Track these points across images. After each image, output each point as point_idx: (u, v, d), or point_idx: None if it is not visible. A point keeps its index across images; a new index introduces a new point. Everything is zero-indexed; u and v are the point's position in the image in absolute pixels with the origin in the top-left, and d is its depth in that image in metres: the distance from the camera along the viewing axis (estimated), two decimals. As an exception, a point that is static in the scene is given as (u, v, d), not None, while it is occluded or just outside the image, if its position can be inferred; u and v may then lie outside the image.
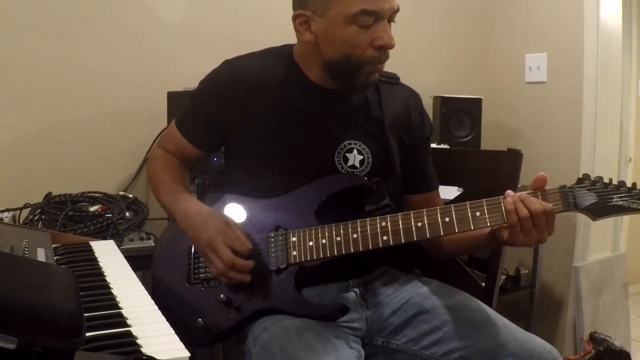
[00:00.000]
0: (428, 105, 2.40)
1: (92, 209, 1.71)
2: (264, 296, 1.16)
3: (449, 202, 1.21)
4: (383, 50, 1.16)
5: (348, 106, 1.27)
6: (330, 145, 1.24)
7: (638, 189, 1.07)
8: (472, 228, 1.09)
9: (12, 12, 1.84)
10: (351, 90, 1.26)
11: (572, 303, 2.40)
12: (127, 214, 1.74)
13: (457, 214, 1.09)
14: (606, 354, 2.23)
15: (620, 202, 1.06)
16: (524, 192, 1.08)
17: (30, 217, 1.66)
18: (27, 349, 0.61)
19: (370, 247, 1.12)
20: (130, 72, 2.03)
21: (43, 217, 1.65)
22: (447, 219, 1.10)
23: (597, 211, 1.07)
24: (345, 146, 1.24)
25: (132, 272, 1.13)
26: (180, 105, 1.37)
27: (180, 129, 1.33)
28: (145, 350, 0.77)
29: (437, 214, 1.10)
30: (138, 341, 0.80)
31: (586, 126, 2.32)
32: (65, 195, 1.77)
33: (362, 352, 1.14)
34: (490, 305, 1.31)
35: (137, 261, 1.35)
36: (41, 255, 1.10)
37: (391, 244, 1.12)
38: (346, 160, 1.24)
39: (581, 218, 2.35)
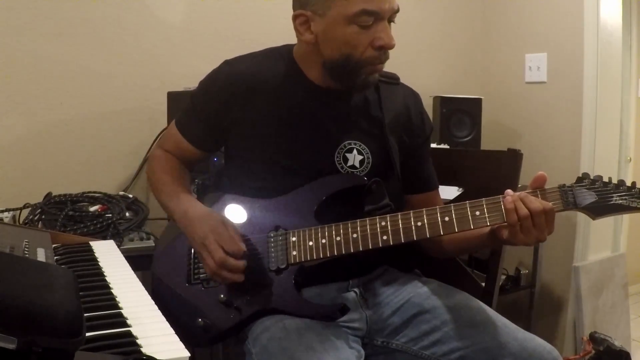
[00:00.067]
0: (428, 105, 2.40)
1: (92, 209, 1.71)
2: (264, 296, 1.16)
3: (449, 202, 1.20)
4: (383, 50, 1.16)
5: (348, 106, 1.27)
6: (330, 145, 1.24)
7: (637, 188, 1.07)
8: (472, 227, 1.09)
9: (12, 12, 1.84)
10: (351, 91, 1.26)
11: (572, 303, 2.40)
12: (127, 214, 1.74)
13: (457, 213, 1.09)
14: (606, 354, 2.23)
15: (620, 201, 1.06)
16: (523, 192, 1.08)
17: (30, 217, 1.66)
18: (27, 349, 0.61)
19: (370, 247, 1.12)
20: (130, 72, 2.03)
21: (43, 217, 1.66)
22: (446, 219, 1.10)
23: (597, 210, 1.07)
24: (345, 146, 1.24)
25: (132, 272, 1.13)
26: (180, 105, 1.37)
27: (180, 129, 1.33)
28: (145, 350, 0.77)
29: (436, 213, 1.10)
30: (138, 341, 0.80)
31: (586, 126, 2.32)
32: (65, 195, 1.77)
33: (362, 352, 1.14)
34: (490, 305, 1.31)
35: (137, 261, 1.35)
36: (41, 255, 1.10)
37: (391, 243, 1.12)
38: (346, 160, 1.24)
39: (581, 218, 2.35)
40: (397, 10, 1.16)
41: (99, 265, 1.15)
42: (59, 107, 1.94)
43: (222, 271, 1.12)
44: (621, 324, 2.52)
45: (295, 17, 1.19)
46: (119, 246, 1.40)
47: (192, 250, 1.24)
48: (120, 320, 0.86)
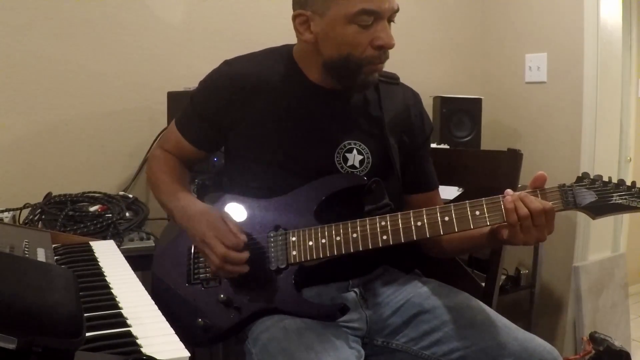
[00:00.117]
0: (428, 105, 2.40)
1: (92, 209, 1.71)
2: (264, 296, 1.16)
3: (449, 202, 1.20)
4: (383, 50, 1.16)
5: (348, 106, 1.27)
6: (330, 145, 1.24)
7: (637, 188, 1.07)
8: (472, 227, 1.09)
9: (12, 12, 1.84)
10: (351, 90, 1.26)
11: (572, 303, 2.40)
12: (127, 214, 1.74)
13: (457, 213, 1.09)
14: (606, 354, 2.22)
15: (620, 201, 1.06)
16: (523, 191, 1.08)
17: (30, 217, 1.66)
18: (27, 349, 0.61)
19: (370, 247, 1.12)
20: (130, 72, 2.03)
21: (43, 217, 1.66)
22: (446, 218, 1.10)
23: (597, 210, 1.07)
24: (345, 146, 1.24)
25: (132, 272, 1.13)
26: (180, 105, 1.37)
27: (179, 129, 1.33)
28: (145, 350, 0.77)
29: (436, 213, 1.10)
30: (138, 341, 0.80)
31: (586, 126, 2.32)
32: (65, 195, 1.77)
33: (362, 352, 1.14)
34: (490, 305, 1.31)
35: (137, 261, 1.36)
36: (41, 255, 1.10)
37: (391, 243, 1.12)
38: (346, 160, 1.24)
39: (581, 218, 2.35)
40: (397, 10, 1.16)
41: (99, 265, 1.15)
42: (59, 107, 1.94)
43: (226, 265, 1.12)
44: (621, 324, 2.52)
45: (295, 17, 1.19)
46: (119, 246, 1.40)
47: (192, 250, 1.24)
48: (120, 320, 0.86)
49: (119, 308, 0.91)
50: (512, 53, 2.59)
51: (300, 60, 1.26)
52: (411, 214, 1.12)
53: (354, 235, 1.13)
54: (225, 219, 1.15)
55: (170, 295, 1.22)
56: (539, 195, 1.07)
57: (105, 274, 1.09)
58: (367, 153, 1.25)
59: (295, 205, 1.20)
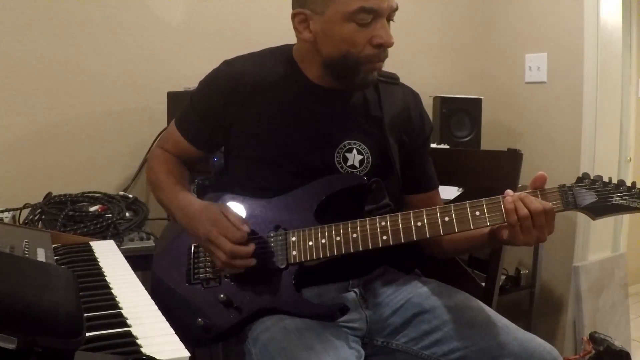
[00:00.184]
0: (428, 105, 2.40)
1: (92, 209, 1.71)
2: (264, 296, 1.16)
3: (449, 202, 1.20)
4: (382, 48, 1.15)
5: (347, 106, 1.27)
6: (330, 145, 1.24)
7: (637, 188, 1.07)
8: (472, 227, 1.09)
9: (12, 12, 1.84)
10: (351, 90, 1.26)
11: (572, 303, 2.40)
12: (127, 214, 1.74)
13: (457, 213, 1.09)
14: (606, 354, 2.22)
15: (620, 201, 1.06)
16: (523, 192, 1.08)
17: (30, 217, 1.66)
18: (27, 349, 0.61)
19: (370, 247, 1.12)
20: (130, 72, 2.03)
21: (43, 217, 1.66)
22: (446, 219, 1.10)
23: (597, 210, 1.07)
24: (344, 146, 1.24)
25: (132, 272, 1.13)
26: (180, 105, 1.37)
27: (179, 129, 1.33)
28: (145, 350, 0.77)
29: (436, 213, 1.10)
30: (138, 341, 0.79)
31: (586, 126, 2.32)
32: (65, 195, 1.77)
33: (362, 352, 1.14)
34: (490, 305, 1.31)
35: (137, 261, 1.36)
36: (41, 255, 1.10)
37: (391, 243, 1.12)
38: (346, 160, 1.24)
39: (581, 218, 2.35)
40: (396, 9, 1.16)
41: (99, 265, 1.15)
42: (59, 107, 1.94)
43: (234, 261, 1.12)
44: (621, 324, 2.52)
45: (294, 16, 1.19)
46: (119, 246, 1.40)
47: (192, 250, 1.24)
48: (120, 320, 0.86)
49: (119, 308, 0.91)
50: (512, 53, 2.59)
51: (299, 59, 1.26)
52: (411, 214, 1.12)
53: (354, 235, 1.13)
54: (225, 212, 1.15)
55: (170, 295, 1.22)
56: (539, 196, 1.07)
57: (105, 274, 1.09)
58: (367, 153, 1.25)
59: (295, 205, 1.20)
